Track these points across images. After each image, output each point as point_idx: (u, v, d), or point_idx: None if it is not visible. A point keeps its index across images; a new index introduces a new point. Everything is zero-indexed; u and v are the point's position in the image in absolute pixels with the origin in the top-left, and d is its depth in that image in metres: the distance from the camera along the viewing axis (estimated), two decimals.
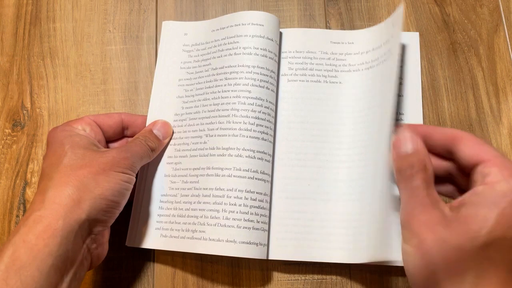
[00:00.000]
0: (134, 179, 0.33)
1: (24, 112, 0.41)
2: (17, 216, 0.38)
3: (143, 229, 0.36)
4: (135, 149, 0.33)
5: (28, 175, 0.39)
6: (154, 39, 0.43)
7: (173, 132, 0.38)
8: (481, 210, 0.25)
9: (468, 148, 0.28)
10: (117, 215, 0.32)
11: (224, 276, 0.37)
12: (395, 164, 0.29)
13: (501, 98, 0.41)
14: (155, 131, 0.37)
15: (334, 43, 0.41)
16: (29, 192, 0.39)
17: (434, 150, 0.30)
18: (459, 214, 0.25)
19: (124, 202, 0.32)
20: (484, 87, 0.41)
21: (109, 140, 0.37)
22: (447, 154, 0.30)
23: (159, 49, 0.41)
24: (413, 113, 0.39)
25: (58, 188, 0.29)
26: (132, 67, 0.42)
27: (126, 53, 0.43)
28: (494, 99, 0.41)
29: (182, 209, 0.36)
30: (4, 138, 0.40)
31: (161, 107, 0.39)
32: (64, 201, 0.28)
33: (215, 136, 0.36)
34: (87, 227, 0.29)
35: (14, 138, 0.40)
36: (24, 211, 0.38)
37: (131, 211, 0.37)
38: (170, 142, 0.38)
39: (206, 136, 0.37)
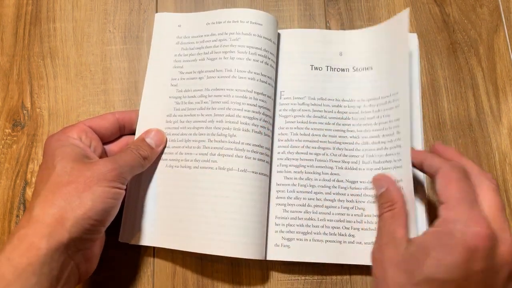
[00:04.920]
0: (123, 192, 0.32)
1: (24, 112, 0.41)
2: (17, 216, 0.38)
3: (138, 225, 0.36)
4: (125, 158, 0.33)
5: (28, 175, 0.39)
6: None
7: (166, 140, 0.37)
8: (418, 252, 0.28)
9: (438, 185, 0.30)
10: (103, 231, 0.31)
11: (224, 276, 0.37)
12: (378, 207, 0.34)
13: (501, 98, 0.41)
14: (147, 140, 0.36)
15: (332, 43, 0.41)
16: (29, 192, 0.39)
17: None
18: (407, 252, 0.29)
19: (110, 219, 0.31)
20: (484, 87, 0.41)
21: (107, 142, 0.37)
22: None
23: (152, 42, 0.41)
24: (412, 115, 0.39)
25: (43, 206, 0.29)
26: (132, 67, 0.42)
27: (126, 53, 0.43)
28: (494, 99, 0.41)
29: (178, 206, 0.36)
30: (4, 138, 0.40)
31: (153, 105, 0.39)
32: (47, 220, 0.28)
33: (211, 134, 0.36)
34: (73, 245, 0.29)
35: (14, 138, 0.40)
36: (24, 211, 0.38)
37: (123, 207, 0.36)
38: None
39: (202, 134, 0.36)
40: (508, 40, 0.42)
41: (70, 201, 0.29)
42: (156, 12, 0.44)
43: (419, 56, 0.41)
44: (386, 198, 0.33)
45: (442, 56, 0.42)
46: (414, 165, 0.34)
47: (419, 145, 0.38)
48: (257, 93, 0.36)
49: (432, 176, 0.32)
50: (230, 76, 0.37)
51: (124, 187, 0.32)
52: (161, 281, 0.37)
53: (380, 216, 0.33)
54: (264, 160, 0.36)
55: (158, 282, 0.37)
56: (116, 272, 0.37)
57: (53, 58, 0.42)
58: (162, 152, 0.37)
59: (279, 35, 0.41)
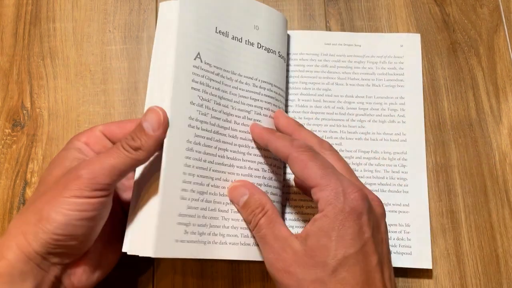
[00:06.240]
0: (98, 200, 0.27)
1: (24, 112, 0.41)
2: None
3: (145, 234, 0.30)
4: (103, 160, 0.28)
5: (28, 175, 0.39)
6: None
7: (167, 121, 0.30)
8: (321, 240, 0.27)
9: (296, 170, 0.29)
10: (84, 245, 0.29)
11: (224, 276, 0.37)
12: (243, 217, 0.32)
13: (501, 98, 0.41)
14: (144, 124, 0.29)
15: (340, 45, 0.41)
16: (29, 192, 0.39)
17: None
18: (306, 247, 0.27)
19: (83, 233, 0.28)
20: (484, 87, 0.41)
21: None
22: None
23: (156, 34, 0.34)
24: (415, 114, 0.39)
25: (17, 217, 0.28)
26: (132, 67, 0.42)
27: (126, 53, 0.43)
28: (494, 99, 0.41)
29: (194, 215, 0.31)
30: (4, 138, 0.40)
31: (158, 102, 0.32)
32: (15, 233, 0.27)
33: (228, 136, 0.33)
34: (43, 259, 0.27)
35: (14, 138, 0.40)
36: None
37: (128, 212, 0.31)
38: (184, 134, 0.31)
39: (222, 135, 0.33)
40: (508, 40, 0.42)
41: (35, 214, 0.27)
42: (156, 12, 0.44)
43: (420, 58, 0.41)
44: (254, 204, 0.31)
45: (442, 56, 0.42)
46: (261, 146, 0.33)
47: (422, 145, 0.38)
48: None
49: (283, 159, 0.31)
50: (245, 74, 0.35)
51: (101, 193, 0.27)
52: (161, 281, 0.37)
53: (256, 226, 0.30)
54: (278, 167, 0.35)
55: (158, 283, 0.37)
56: (116, 272, 0.37)
57: (53, 58, 0.42)
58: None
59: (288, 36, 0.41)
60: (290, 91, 0.40)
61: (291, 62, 0.41)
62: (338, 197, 0.27)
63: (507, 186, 0.39)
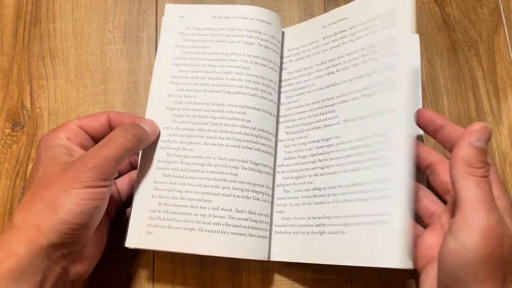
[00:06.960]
0: (105, 190, 0.29)
1: (24, 112, 0.41)
2: None
3: (141, 227, 0.34)
4: (106, 150, 0.30)
5: (28, 175, 0.39)
6: (154, 39, 0.43)
7: (159, 133, 0.35)
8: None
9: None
10: (90, 234, 0.30)
11: (224, 277, 0.37)
12: (466, 154, 0.28)
13: (501, 98, 0.41)
14: (141, 124, 0.33)
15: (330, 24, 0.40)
16: None
17: None
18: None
19: (94, 220, 0.30)
20: (484, 87, 0.41)
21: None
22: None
23: (161, 34, 0.38)
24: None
25: (21, 213, 0.28)
26: (132, 67, 0.42)
27: (126, 53, 0.43)
28: (494, 99, 0.41)
29: (177, 205, 0.34)
30: (4, 138, 0.40)
31: (158, 103, 0.37)
32: (25, 227, 0.27)
33: (215, 124, 0.35)
34: (55, 250, 0.28)
35: (14, 138, 0.40)
36: None
37: (131, 207, 0.34)
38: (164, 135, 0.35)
39: (204, 123, 0.35)
40: (508, 40, 0.42)
41: (46, 206, 0.28)
42: (156, 12, 0.44)
43: (420, 59, 0.41)
44: (488, 159, 0.28)
45: (442, 56, 0.42)
46: (422, 127, 0.34)
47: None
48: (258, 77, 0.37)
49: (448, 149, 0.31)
50: (233, 72, 0.36)
51: (109, 183, 0.30)
52: (161, 282, 0.37)
53: (480, 182, 0.27)
54: (270, 153, 0.36)
55: (158, 284, 0.37)
56: (116, 273, 0.37)
57: (53, 58, 0.42)
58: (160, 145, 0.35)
59: (283, 33, 0.41)
60: (285, 91, 0.40)
61: (284, 60, 0.40)
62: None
63: (507, 186, 0.39)
